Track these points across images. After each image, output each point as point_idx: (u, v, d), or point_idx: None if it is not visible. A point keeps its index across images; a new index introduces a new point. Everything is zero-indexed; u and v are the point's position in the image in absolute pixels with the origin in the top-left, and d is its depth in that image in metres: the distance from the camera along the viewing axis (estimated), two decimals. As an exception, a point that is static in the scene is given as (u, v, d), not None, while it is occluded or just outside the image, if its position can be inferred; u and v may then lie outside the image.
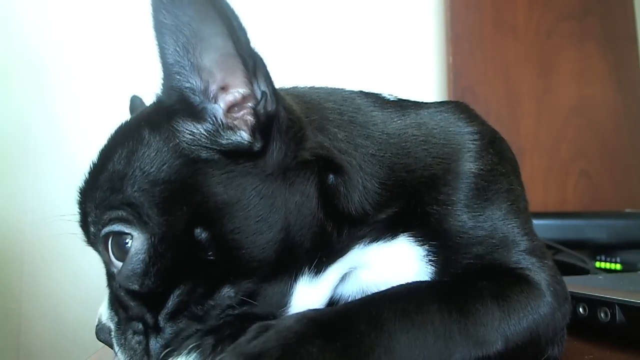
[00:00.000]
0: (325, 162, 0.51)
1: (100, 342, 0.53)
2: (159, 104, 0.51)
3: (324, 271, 0.51)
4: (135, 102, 0.73)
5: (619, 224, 1.37)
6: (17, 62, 1.75)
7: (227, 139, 0.48)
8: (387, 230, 0.54)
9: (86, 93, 1.78)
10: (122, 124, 0.55)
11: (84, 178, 0.53)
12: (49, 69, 1.76)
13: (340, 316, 0.44)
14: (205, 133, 0.48)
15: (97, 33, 1.80)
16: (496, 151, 0.58)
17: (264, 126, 0.48)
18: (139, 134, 0.50)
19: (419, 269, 0.55)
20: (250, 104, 0.49)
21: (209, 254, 0.46)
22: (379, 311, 0.45)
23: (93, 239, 0.52)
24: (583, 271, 1.14)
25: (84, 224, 0.52)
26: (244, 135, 0.48)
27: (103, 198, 0.49)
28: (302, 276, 0.49)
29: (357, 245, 0.53)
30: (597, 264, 1.29)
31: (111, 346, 0.51)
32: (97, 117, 1.77)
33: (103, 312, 0.52)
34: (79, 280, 1.69)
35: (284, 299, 0.49)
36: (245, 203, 0.47)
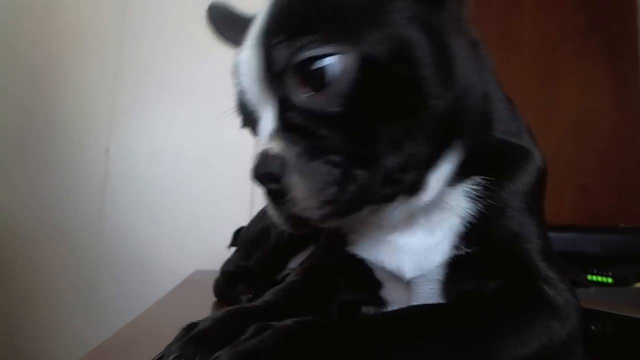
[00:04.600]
0: (474, 45, 0.57)
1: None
2: None
3: (459, 159, 0.56)
4: (216, 10, 0.70)
5: (612, 238, 1.38)
6: (16, 61, 1.76)
7: None
8: (465, 165, 0.57)
9: (84, 89, 1.78)
10: None
11: (262, 23, 0.52)
12: (46, 67, 1.77)
13: (340, 326, 0.45)
14: None
15: (93, 34, 1.81)
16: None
17: None
18: None
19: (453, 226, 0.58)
20: None
21: (409, 93, 0.49)
22: (380, 327, 0.45)
23: (279, 71, 0.50)
24: (575, 284, 1.14)
25: (266, 61, 0.50)
26: None
27: (299, 27, 0.49)
28: (452, 153, 0.55)
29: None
30: (590, 277, 1.29)
31: (274, 181, 0.48)
32: (92, 115, 1.78)
33: (272, 145, 0.49)
34: (72, 279, 1.69)
35: (429, 176, 0.54)
36: (433, 48, 0.50)
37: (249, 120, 0.56)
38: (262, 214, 1.07)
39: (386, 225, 0.59)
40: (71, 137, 1.76)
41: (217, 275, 1.06)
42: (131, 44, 1.82)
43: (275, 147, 0.49)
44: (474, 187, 0.57)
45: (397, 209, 0.56)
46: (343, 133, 0.48)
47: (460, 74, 0.52)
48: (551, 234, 1.31)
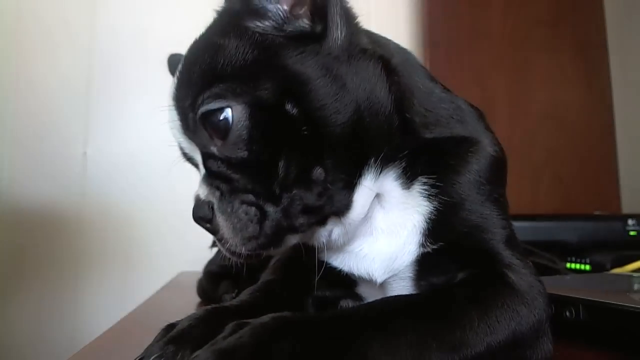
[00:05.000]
0: (383, 61, 0.59)
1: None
2: (224, 11, 0.61)
3: (381, 173, 0.58)
4: (174, 60, 0.74)
5: (589, 226, 1.41)
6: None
7: (291, 27, 0.56)
8: (408, 169, 0.59)
9: (57, 93, 1.76)
10: (196, 40, 0.60)
11: (173, 89, 0.59)
12: (16, 71, 1.75)
13: (315, 320, 0.46)
14: (271, 26, 0.56)
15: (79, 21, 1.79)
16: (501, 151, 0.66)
17: (320, 9, 0.57)
18: (216, 40, 0.56)
19: (414, 229, 0.60)
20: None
21: (302, 128, 0.53)
22: (353, 319, 0.46)
23: (192, 127, 0.56)
24: (554, 272, 1.17)
25: (183, 120, 0.57)
26: (305, 21, 0.56)
27: (197, 88, 0.55)
28: (367, 171, 0.57)
29: (394, 169, 0.59)
30: (568, 265, 1.32)
31: (207, 222, 0.56)
32: (68, 119, 1.76)
33: (200, 191, 0.57)
34: (55, 284, 1.68)
35: (350, 196, 0.56)
36: (321, 81, 0.54)
37: (193, 164, 0.63)
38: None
39: (339, 242, 0.61)
40: (48, 142, 1.73)
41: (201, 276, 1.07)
42: (102, 46, 1.80)
43: (203, 192, 0.56)
44: (424, 187, 0.60)
45: (335, 230, 0.59)
46: (252, 174, 0.54)
47: (357, 96, 0.55)
48: (530, 223, 1.35)
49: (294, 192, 0.53)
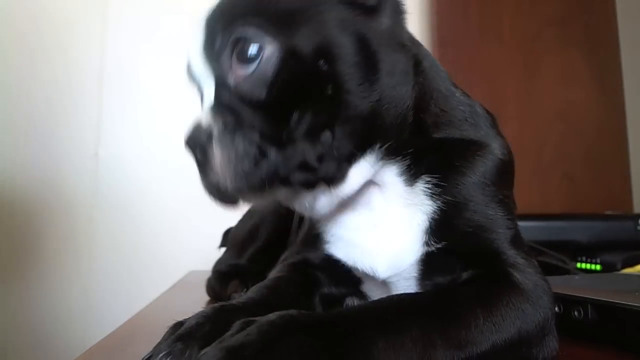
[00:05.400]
0: (415, 60, 0.61)
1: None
2: None
3: (382, 161, 0.59)
4: None
5: (600, 225, 1.40)
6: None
7: None
8: (413, 167, 0.60)
9: (68, 93, 1.78)
10: None
11: (208, 11, 0.58)
12: (28, 70, 1.76)
13: (321, 318, 0.46)
14: None
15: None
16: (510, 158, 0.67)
17: None
18: None
19: (417, 226, 0.60)
20: None
21: (327, 89, 0.53)
22: (359, 317, 0.46)
23: (217, 50, 0.56)
24: (564, 272, 1.16)
25: (209, 40, 0.56)
26: None
27: (236, 13, 0.55)
28: (370, 154, 0.57)
29: (398, 163, 0.60)
30: (578, 265, 1.31)
31: (196, 150, 0.54)
32: (79, 119, 1.78)
33: (202, 116, 0.55)
34: (65, 283, 1.69)
35: (347, 169, 0.56)
36: (358, 51, 0.54)
37: (198, 90, 0.62)
38: (250, 213, 1.09)
39: (329, 217, 0.62)
40: (59, 142, 1.75)
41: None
42: (114, 46, 1.81)
43: (205, 120, 0.55)
44: (427, 185, 0.60)
45: (321, 199, 0.59)
46: (264, 115, 0.53)
47: (385, 82, 0.56)
48: (540, 223, 1.34)
49: (298, 145, 0.52)
